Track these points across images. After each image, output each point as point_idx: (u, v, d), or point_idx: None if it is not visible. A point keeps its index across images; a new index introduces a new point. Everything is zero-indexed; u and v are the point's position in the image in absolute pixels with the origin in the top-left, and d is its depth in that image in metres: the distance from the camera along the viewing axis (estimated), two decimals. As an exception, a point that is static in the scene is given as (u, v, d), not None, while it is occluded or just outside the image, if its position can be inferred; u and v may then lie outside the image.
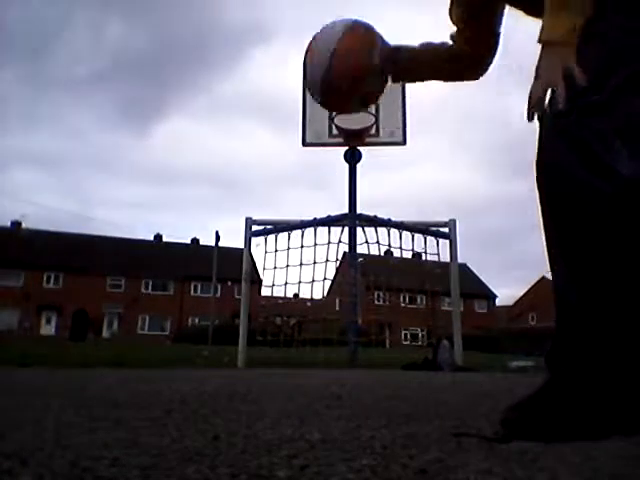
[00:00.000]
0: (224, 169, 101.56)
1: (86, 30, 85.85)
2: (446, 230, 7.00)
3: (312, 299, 7.90)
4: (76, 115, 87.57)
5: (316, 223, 6.45)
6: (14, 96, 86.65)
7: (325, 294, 7.37)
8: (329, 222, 6.48)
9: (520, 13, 1.48)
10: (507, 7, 1.53)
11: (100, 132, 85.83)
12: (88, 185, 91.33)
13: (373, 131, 6.79)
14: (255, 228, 6.83)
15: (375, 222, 6.71)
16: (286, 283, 6.78)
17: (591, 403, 1.04)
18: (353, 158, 6.69)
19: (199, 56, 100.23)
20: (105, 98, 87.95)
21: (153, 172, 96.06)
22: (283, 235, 6.69)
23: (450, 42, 1.61)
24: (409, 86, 7.07)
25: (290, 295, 7.75)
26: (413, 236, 6.89)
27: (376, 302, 8.55)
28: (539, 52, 1.19)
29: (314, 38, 1.50)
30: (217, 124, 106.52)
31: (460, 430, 1.12)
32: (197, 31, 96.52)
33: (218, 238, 18.48)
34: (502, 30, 1.59)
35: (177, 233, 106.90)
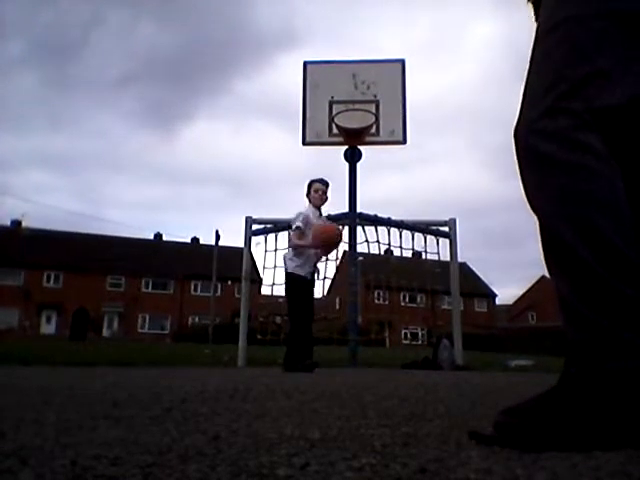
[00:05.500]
0: (224, 168, 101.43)
1: (108, 32, 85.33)
2: (446, 229, 7.01)
3: (312, 298, 7.88)
4: (84, 116, 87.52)
5: (316, 222, 6.45)
6: (36, 97, 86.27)
7: (325, 293, 7.37)
8: (329, 221, 6.48)
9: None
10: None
11: (106, 133, 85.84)
12: (89, 185, 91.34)
13: (373, 130, 6.79)
14: (255, 227, 6.83)
15: (375, 221, 6.71)
16: (286, 282, 6.78)
17: (607, 414, 0.93)
18: (353, 157, 6.69)
19: (218, 59, 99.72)
20: (112, 99, 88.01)
21: (153, 171, 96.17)
22: (283, 234, 6.70)
23: None
24: (409, 85, 7.08)
25: (290, 294, 7.73)
26: (413, 235, 6.91)
27: (376, 301, 8.56)
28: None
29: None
30: (218, 124, 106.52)
31: (460, 429, 1.12)
32: (218, 35, 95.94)
33: (218, 237, 18.47)
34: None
35: (177, 232, 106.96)
